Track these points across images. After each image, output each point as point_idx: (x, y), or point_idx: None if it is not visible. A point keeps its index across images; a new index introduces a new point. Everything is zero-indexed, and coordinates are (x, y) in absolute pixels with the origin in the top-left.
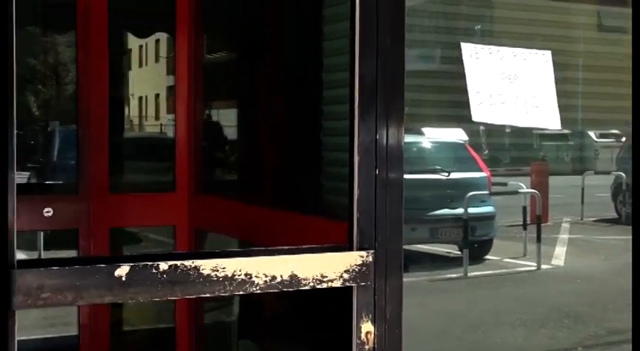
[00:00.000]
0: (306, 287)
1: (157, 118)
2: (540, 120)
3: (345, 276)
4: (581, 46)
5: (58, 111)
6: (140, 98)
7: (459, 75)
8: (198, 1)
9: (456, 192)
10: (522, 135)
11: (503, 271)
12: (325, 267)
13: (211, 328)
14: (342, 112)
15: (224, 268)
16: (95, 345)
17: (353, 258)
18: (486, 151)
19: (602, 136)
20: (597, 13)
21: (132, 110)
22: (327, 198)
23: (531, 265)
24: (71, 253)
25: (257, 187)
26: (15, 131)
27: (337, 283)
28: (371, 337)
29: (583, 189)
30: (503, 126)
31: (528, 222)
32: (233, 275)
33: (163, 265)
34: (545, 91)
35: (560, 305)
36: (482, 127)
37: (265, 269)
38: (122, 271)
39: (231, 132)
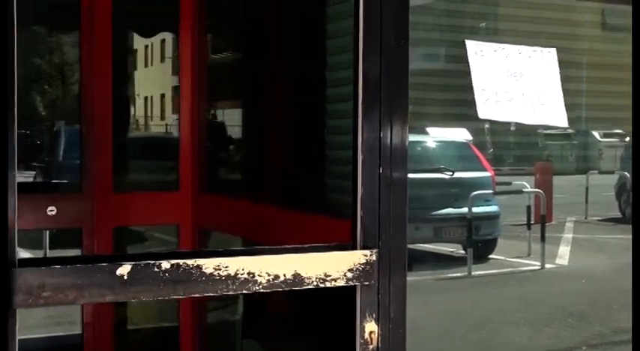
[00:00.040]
0: (310, 286)
1: (162, 118)
2: (547, 117)
3: (349, 275)
4: (585, 43)
5: (64, 111)
6: (146, 98)
7: (462, 73)
8: (202, 0)
9: (460, 191)
10: (526, 134)
11: (508, 270)
12: (329, 266)
13: (215, 327)
14: (345, 111)
15: (227, 267)
16: (99, 344)
17: (356, 257)
18: (491, 150)
19: (605, 135)
20: (602, 11)
21: (137, 110)
22: (331, 196)
23: (535, 265)
24: (77, 253)
25: (260, 185)
26: (16, 130)
27: (341, 283)
28: (375, 336)
29: (587, 188)
30: (507, 125)
31: (532, 221)
32: (236, 274)
33: (165, 264)
34: (552, 88)
35: (564, 304)
36: (486, 126)
37: (268, 268)
38: (124, 269)
39: (234, 131)
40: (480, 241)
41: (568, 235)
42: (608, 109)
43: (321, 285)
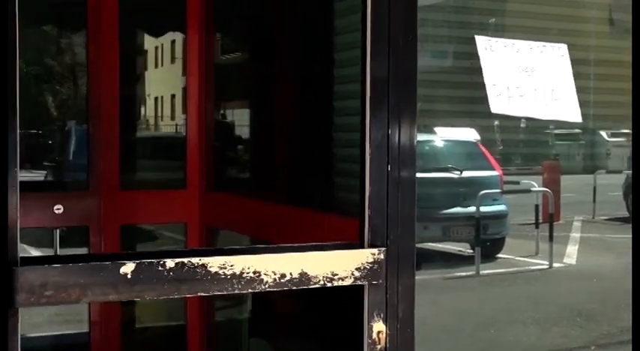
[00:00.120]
0: (317, 285)
1: (172, 118)
2: (561, 113)
3: (357, 274)
4: (592, 40)
5: (75, 110)
6: (156, 99)
7: (472, 70)
8: None
9: (469, 190)
10: (534, 134)
11: (516, 269)
12: (336, 265)
13: (223, 325)
14: (353, 108)
15: (232, 265)
16: (106, 342)
17: (364, 256)
18: (501, 147)
19: (613, 135)
20: (608, 7)
21: (148, 110)
22: (339, 195)
23: (543, 264)
24: (86, 251)
25: (268, 183)
26: (17, 127)
27: (348, 282)
28: (382, 336)
29: (595, 188)
30: (517, 122)
31: (540, 220)
32: (241, 273)
33: (170, 263)
34: (564, 83)
35: (572, 304)
36: (496, 122)
37: (274, 267)
38: (127, 268)
39: (242, 129)
40: (487, 240)
41: (576, 235)
42: (616, 106)
43: (328, 284)
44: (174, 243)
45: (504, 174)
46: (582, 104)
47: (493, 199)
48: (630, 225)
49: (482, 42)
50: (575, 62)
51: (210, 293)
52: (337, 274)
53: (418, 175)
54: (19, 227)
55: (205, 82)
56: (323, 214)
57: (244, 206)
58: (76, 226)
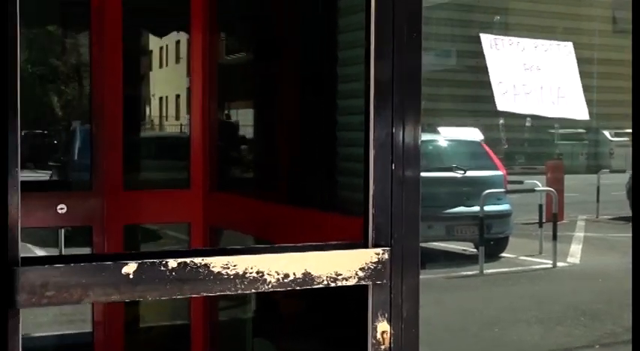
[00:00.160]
0: (320, 285)
1: (177, 118)
2: (568, 110)
3: (361, 274)
4: (594, 38)
5: (80, 111)
6: (161, 99)
7: (474, 69)
8: None
9: (472, 190)
10: (537, 133)
11: (519, 268)
12: (339, 265)
13: (226, 325)
14: (357, 107)
15: (235, 265)
16: (109, 342)
17: (368, 255)
18: (506, 146)
19: (616, 134)
20: (610, 5)
21: (152, 110)
22: (342, 194)
23: (547, 263)
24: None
25: (271, 183)
26: (18, 127)
27: (352, 282)
28: (387, 336)
29: (598, 187)
30: (519, 123)
31: (544, 220)
32: (244, 273)
33: (172, 263)
34: (570, 82)
35: (576, 303)
36: (501, 121)
37: (278, 267)
38: (129, 268)
39: (245, 129)
40: (491, 239)
41: (579, 234)
42: (619, 105)
43: (332, 284)
44: (178, 243)
45: (508, 173)
46: (586, 103)
47: (497, 199)
48: None
49: (487, 40)
50: (577, 61)
51: (213, 293)
52: (341, 274)
53: (422, 174)
54: (19, 227)
55: (209, 82)
56: (326, 213)
57: (248, 206)
58: (79, 226)
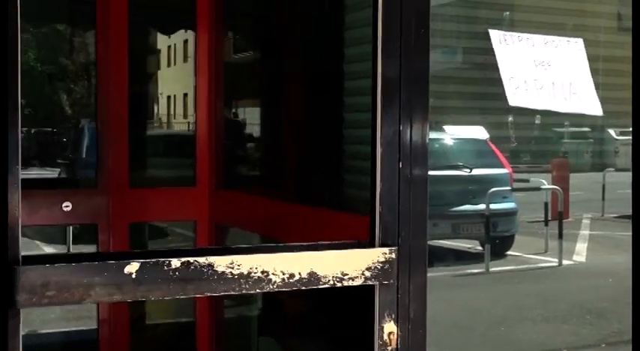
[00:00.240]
0: (326, 285)
1: (184, 116)
2: (581, 106)
3: (367, 274)
4: (601, 36)
5: (89, 109)
6: (168, 97)
7: (482, 66)
8: None
9: (478, 188)
10: (543, 131)
11: (525, 266)
12: (346, 264)
13: (232, 323)
14: (364, 104)
15: (239, 265)
16: (115, 339)
17: (375, 255)
18: (515, 144)
19: (622, 133)
20: (617, 1)
21: (160, 108)
22: (349, 192)
23: (553, 261)
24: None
25: (277, 181)
26: (19, 124)
27: (358, 282)
28: (394, 337)
29: (604, 185)
30: (524, 121)
31: (550, 218)
32: (249, 273)
33: (175, 262)
34: (582, 78)
35: (582, 301)
36: (510, 118)
37: (283, 266)
38: (132, 268)
39: (252, 127)
40: (497, 237)
41: (585, 232)
42: (621, 103)
43: (338, 284)
44: (184, 240)
45: (514, 171)
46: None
47: (503, 197)
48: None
49: (496, 36)
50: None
51: (217, 293)
52: (347, 274)
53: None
54: (20, 225)
55: (215, 80)
56: (333, 211)
57: (254, 204)
58: (84, 224)
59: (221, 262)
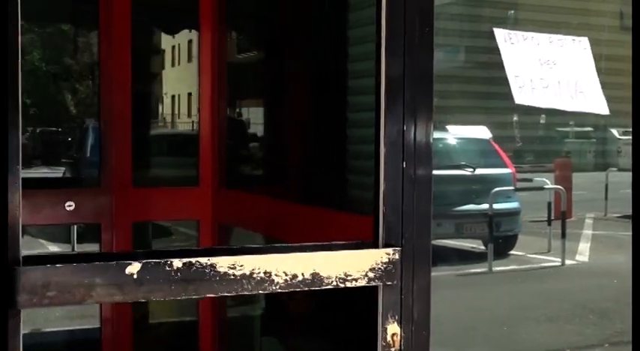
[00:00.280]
0: (329, 286)
1: (189, 116)
2: (587, 105)
3: (370, 275)
4: (604, 34)
5: (94, 109)
6: (173, 97)
7: (485, 65)
8: None
9: (482, 188)
10: (546, 131)
11: (528, 266)
12: (349, 265)
13: (235, 323)
14: (367, 103)
15: (242, 265)
16: (118, 338)
17: (378, 255)
18: (520, 143)
19: (624, 133)
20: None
21: (165, 108)
22: (352, 192)
23: (556, 261)
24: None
25: (280, 181)
26: (20, 124)
27: (362, 283)
28: (397, 339)
29: (607, 185)
30: (527, 120)
31: (552, 218)
32: (251, 273)
33: (177, 263)
34: (588, 77)
35: (585, 301)
36: (515, 118)
37: (286, 267)
38: (133, 268)
39: (255, 126)
40: (500, 237)
41: (588, 232)
42: (627, 102)
43: (341, 285)
44: (188, 239)
45: (517, 171)
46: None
47: (506, 197)
48: None
49: (501, 34)
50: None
51: (219, 294)
52: (350, 275)
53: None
54: (20, 225)
55: (218, 80)
56: (336, 212)
57: (257, 204)
58: (88, 223)
59: (223, 263)
